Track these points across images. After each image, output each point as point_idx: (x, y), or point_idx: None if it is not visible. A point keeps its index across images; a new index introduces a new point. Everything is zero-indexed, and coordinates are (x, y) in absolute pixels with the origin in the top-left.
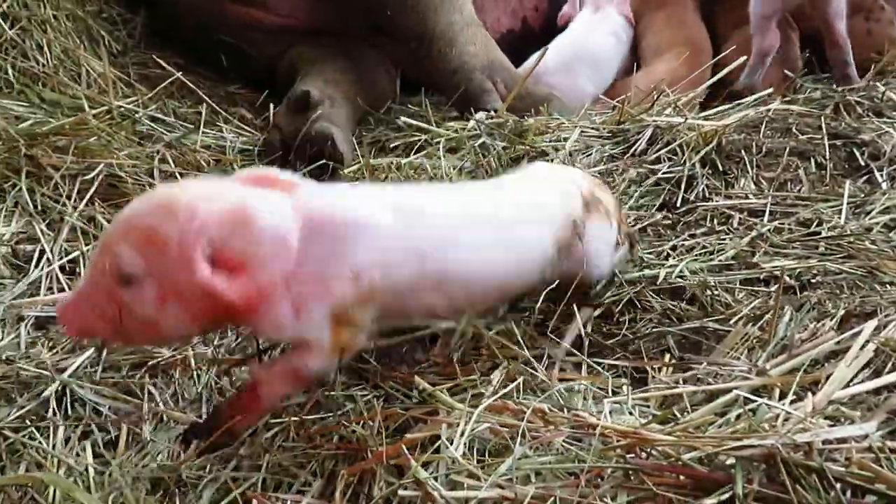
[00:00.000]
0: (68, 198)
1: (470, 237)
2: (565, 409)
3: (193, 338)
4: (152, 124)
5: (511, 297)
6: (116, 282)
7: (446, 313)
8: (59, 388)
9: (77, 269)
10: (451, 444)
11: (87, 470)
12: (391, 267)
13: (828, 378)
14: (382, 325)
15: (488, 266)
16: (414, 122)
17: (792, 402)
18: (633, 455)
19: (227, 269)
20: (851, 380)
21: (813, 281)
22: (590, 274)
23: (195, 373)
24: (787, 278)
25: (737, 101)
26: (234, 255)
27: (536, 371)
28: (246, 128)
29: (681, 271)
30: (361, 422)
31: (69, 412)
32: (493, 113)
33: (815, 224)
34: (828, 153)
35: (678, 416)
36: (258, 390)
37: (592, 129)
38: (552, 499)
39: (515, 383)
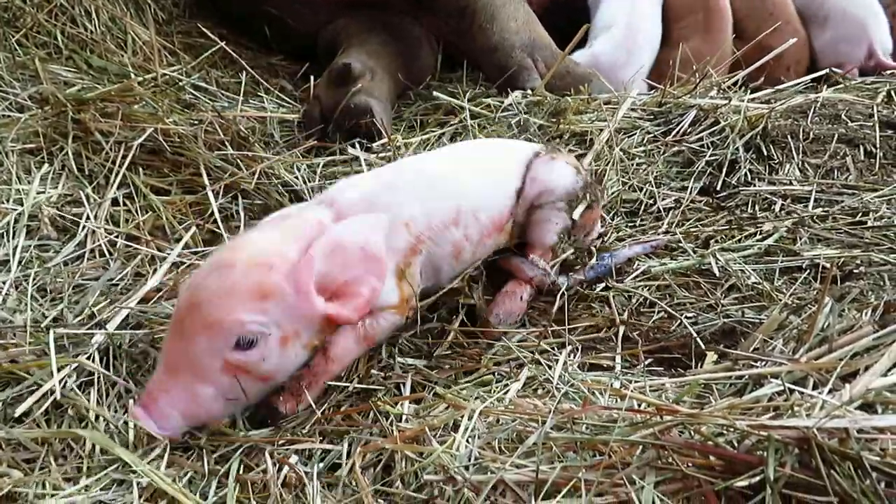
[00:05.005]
0: (113, 162)
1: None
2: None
3: None
4: (195, 92)
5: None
6: (232, 350)
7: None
8: (102, 345)
9: (117, 233)
10: (471, 429)
11: (125, 425)
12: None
13: (866, 368)
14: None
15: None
16: (446, 97)
17: (829, 392)
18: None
19: (332, 295)
20: (890, 370)
21: (856, 271)
22: None
23: None
24: (829, 267)
25: (784, 86)
26: (336, 282)
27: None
28: (286, 99)
29: (718, 258)
30: (396, 402)
31: (111, 369)
32: (529, 92)
33: (860, 213)
34: (878, 141)
35: (713, 402)
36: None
37: (633, 109)
38: (577, 480)
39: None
